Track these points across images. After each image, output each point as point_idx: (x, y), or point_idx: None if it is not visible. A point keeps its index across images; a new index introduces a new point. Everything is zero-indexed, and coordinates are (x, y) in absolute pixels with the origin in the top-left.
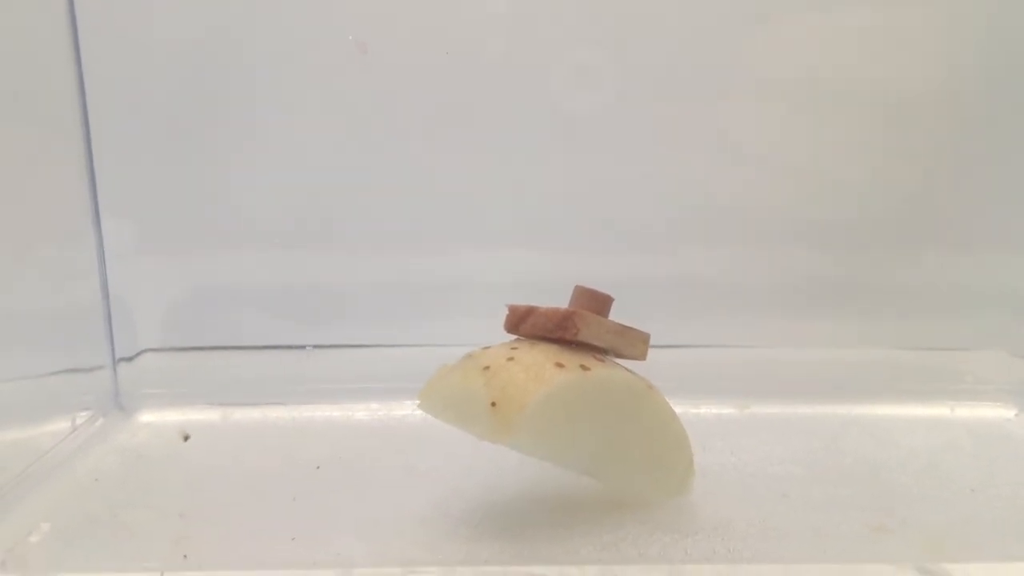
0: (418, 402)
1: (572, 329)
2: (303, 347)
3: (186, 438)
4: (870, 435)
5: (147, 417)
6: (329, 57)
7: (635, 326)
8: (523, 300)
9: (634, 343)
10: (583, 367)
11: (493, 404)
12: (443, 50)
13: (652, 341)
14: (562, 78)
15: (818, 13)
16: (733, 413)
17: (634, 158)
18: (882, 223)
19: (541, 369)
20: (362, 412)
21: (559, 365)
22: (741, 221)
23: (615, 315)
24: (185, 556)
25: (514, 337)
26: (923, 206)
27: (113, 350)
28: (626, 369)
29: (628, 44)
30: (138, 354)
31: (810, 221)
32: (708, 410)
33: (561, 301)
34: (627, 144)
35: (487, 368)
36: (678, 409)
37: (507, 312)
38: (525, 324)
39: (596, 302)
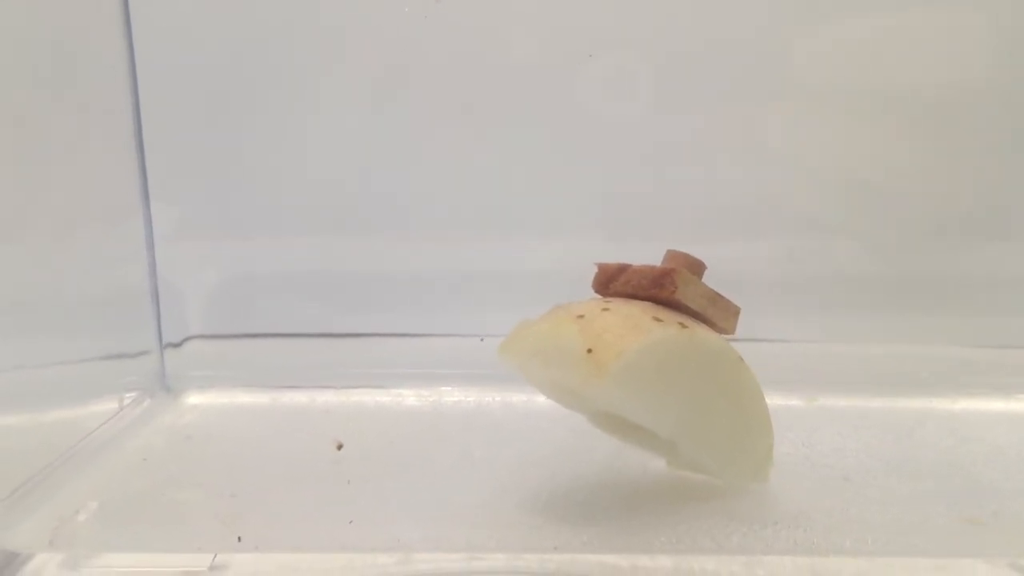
0: (499, 352)
1: (670, 286)
2: (375, 335)
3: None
4: (949, 430)
5: (194, 399)
6: (377, 44)
7: None
8: (575, 288)
9: (726, 314)
10: (681, 324)
11: (589, 351)
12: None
13: None
14: (602, 70)
15: (863, 15)
16: (801, 405)
17: (687, 152)
18: (956, 218)
19: (639, 320)
20: (412, 398)
21: (657, 319)
22: (804, 217)
23: None
24: (239, 538)
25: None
26: (1000, 200)
27: (160, 335)
28: (720, 337)
29: (671, 38)
30: (185, 340)
31: (881, 216)
32: (774, 401)
33: None
34: (677, 138)
35: (581, 316)
36: None
37: (596, 271)
38: (617, 282)
39: (690, 266)
